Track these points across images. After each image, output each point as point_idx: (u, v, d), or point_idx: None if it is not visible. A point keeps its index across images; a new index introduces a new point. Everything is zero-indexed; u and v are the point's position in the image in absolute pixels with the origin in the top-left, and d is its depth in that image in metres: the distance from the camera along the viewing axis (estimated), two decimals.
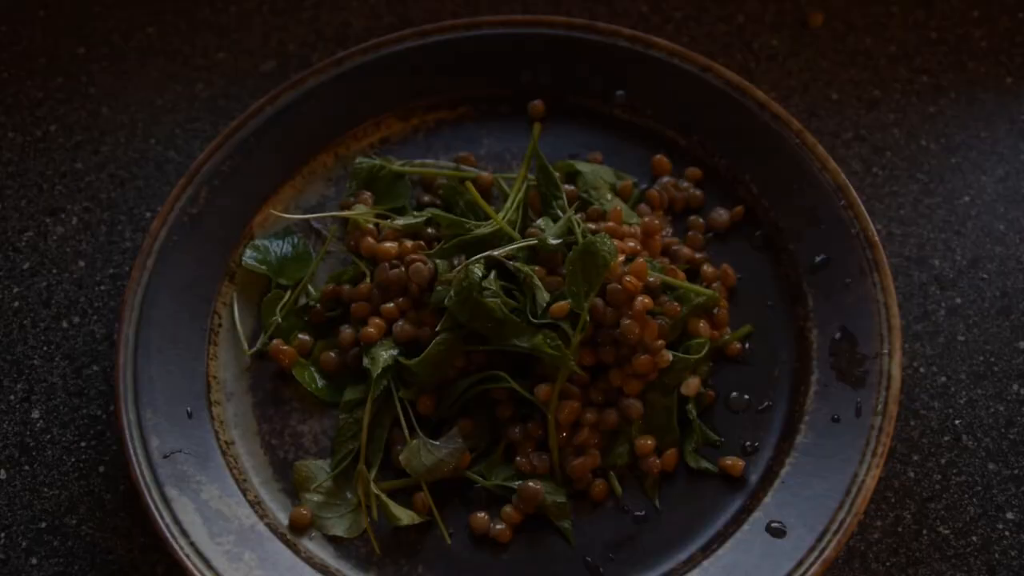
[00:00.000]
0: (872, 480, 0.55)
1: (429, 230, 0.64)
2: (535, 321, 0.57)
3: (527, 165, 0.66)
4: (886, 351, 0.58)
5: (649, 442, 0.59)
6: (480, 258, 0.58)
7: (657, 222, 0.64)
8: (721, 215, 0.66)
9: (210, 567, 0.55)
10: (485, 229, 0.61)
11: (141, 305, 0.62)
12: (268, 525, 0.58)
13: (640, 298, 0.57)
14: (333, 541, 0.58)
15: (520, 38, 0.69)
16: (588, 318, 0.57)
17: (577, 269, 0.57)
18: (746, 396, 0.61)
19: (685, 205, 0.67)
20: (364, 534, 0.58)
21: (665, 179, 0.67)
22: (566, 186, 0.64)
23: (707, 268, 0.64)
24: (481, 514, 0.58)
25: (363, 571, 0.57)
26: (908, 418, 0.62)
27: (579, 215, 0.62)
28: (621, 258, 0.59)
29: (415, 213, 0.65)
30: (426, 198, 0.67)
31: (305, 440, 0.61)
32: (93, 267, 0.69)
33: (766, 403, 0.61)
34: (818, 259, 0.63)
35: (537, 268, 0.59)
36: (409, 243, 0.62)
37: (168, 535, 0.56)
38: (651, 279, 0.59)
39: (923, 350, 0.64)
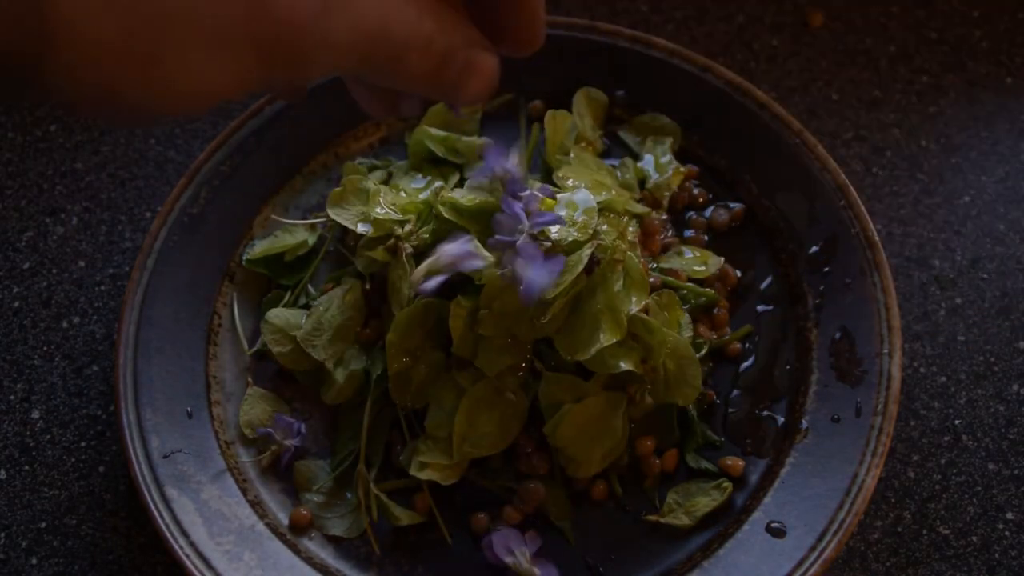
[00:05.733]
0: (872, 480, 0.55)
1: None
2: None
3: (527, 165, 0.66)
4: (886, 351, 0.58)
5: (649, 442, 0.59)
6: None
7: (657, 222, 0.64)
8: (721, 215, 0.66)
9: (210, 567, 0.55)
10: None
11: (141, 305, 0.62)
12: (268, 525, 0.58)
13: None
14: (333, 541, 0.58)
15: None
16: None
17: None
18: (746, 396, 0.61)
19: (685, 205, 0.67)
20: (364, 534, 0.58)
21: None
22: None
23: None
24: (481, 514, 0.58)
25: (363, 571, 0.57)
26: (908, 418, 0.62)
27: None
28: None
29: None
30: None
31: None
32: (93, 267, 0.69)
33: (766, 403, 0.61)
34: (818, 259, 0.63)
35: None
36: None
37: (168, 535, 0.56)
38: (651, 279, 0.60)
39: (923, 350, 0.64)
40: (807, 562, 0.54)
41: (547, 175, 0.65)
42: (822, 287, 0.62)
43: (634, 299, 0.55)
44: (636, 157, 0.67)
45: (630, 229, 0.59)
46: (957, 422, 0.62)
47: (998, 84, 0.74)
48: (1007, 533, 0.59)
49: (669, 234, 0.65)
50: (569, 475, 0.57)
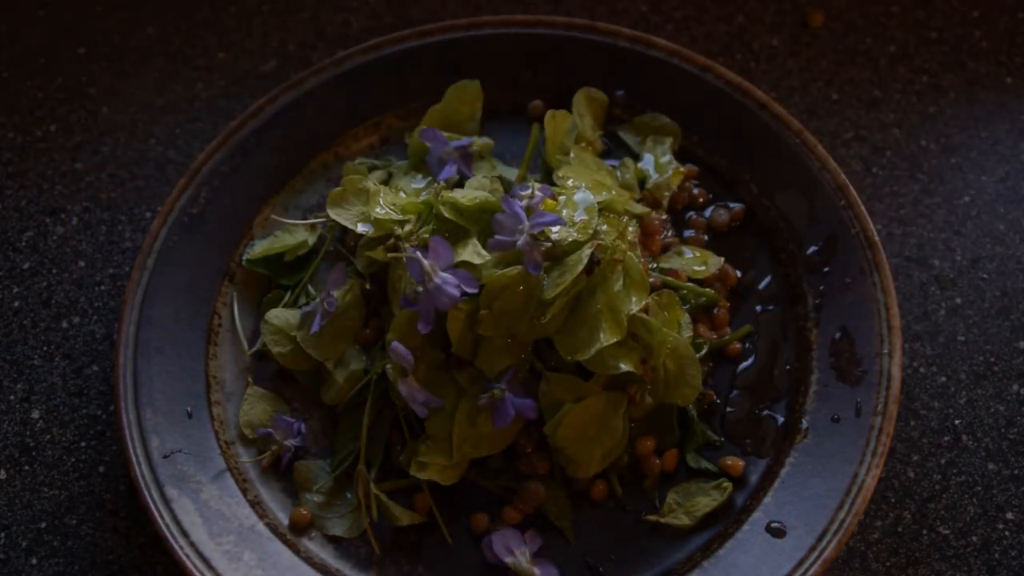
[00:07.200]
0: (872, 480, 0.55)
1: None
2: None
3: (527, 165, 0.66)
4: (886, 351, 0.58)
5: (649, 442, 0.59)
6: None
7: (657, 222, 0.64)
8: (721, 215, 0.66)
9: (210, 567, 0.55)
10: None
11: (141, 305, 0.62)
12: (268, 525, 0.58)
13: None
14: (333, 541, 0.58)
15: (520, 38, 0.69)
16: None
17: None
18: (746, 396, 0.61)
19: (685, 205, 0.67)
20: (364, 534, 0.58)
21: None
22: None
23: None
24: (481, 514, 0.58)
25: (363, 571, 0.57)
26: (908, 418, 0.62)
27: None
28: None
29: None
30: None
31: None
32: (93, 267, 0.69)
33: (766, 403, 0.61)
34: (818, 259, 0.63)
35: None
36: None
37: (168, 535, 0.56)
38: (651, 279, 0.60)
39: (923, 350, 0.64)
40: (807, 562, 0.54)
41: (547, 175, 0.65)
42: (822, 287, 0.62)
43: (634, 299, 0.55)
44: (636, 157, 0.67)
45: (630, 229, 0.59)
46: (957, 422, 0.62)
47: (998, 84, 0.74)
48: (1007, 533, 0.59)
49: (669, 234, 0.65)
50: (569, 475, 0.57)
